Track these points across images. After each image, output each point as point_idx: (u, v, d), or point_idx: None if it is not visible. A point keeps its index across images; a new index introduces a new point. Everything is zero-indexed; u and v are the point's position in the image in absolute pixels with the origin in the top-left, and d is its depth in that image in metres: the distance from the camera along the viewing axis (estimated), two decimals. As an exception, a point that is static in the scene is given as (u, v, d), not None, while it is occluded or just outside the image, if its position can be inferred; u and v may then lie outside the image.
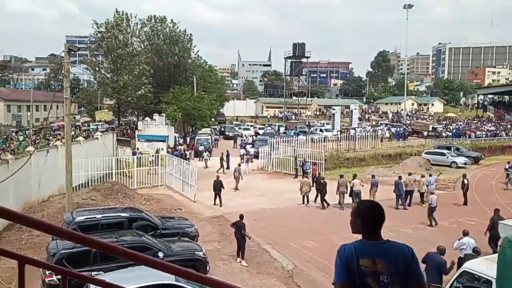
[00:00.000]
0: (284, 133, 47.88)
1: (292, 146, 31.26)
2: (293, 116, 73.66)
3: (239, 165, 26.68)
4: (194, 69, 58.86)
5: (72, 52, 15.66)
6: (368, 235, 2.66)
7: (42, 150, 20.83)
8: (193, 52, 59.80)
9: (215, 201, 21.22)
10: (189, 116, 46.09)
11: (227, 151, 31.99)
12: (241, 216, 14.21)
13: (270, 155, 31.31)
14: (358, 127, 44.64)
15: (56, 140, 30.54)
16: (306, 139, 34.05)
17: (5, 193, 15.81)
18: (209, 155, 33.43)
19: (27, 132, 53.47)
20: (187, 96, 45.95)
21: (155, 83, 51.57)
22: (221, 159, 30.22)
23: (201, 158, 33.55)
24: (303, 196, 21.14)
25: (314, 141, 34.32)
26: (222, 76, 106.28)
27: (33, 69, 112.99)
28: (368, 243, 2.63)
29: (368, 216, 2.70)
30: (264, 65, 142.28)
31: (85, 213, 13.39)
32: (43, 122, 61.93)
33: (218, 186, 21.25)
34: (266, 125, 60.34)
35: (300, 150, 30.40)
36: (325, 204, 20.72)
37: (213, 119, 59.89)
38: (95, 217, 12.76)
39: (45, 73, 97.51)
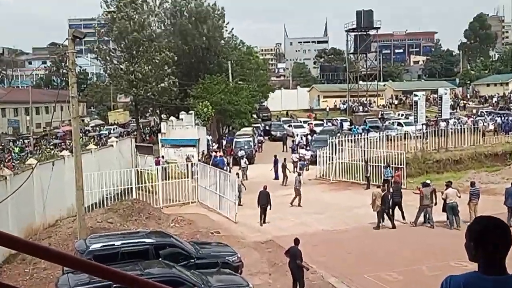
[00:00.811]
0: (350, 130, 47.33)
1: (361, 147, 30.94)
2: (361, 107, 72.69)
3: (299, 174, 26.77)
4: (229, 53, 59.57)
5: (77, 40, 16.28)
6: (484, 265, 2.47)
7: (47, 163, 21.79)
8: (226, 31, 60.76)
9: (261, 220, 21.44)
10: (224, 113, 46.65)
11: (275, 156, 32.09)
12: (296, 241, 14.22)
13: (332, 159, 31.14)
14: (450, 118, 43.36)
15: (59, 151, 31.68)
16: (380, 136, 33.50)
17: (4, 216, 16.63)
18: (247, 162, 33.72)
19: (26, 141, 55.92)
20: (221, 87, 46.56)
21: (180, 74, 52.61)
22: (283, 166, 30.79)
23: (240, 167, 33.81)
24: (377, 213, 20.85)
25: (391, 139, 33.81)
26: (265, 59, 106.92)
27: (30, 63, 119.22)
28: (483, 277, 2.45)
29: (484, 240, 2.45)
30: (318, 42, 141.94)
31: (101, 239, 13.94)
32: (46, 128, 64.81)
33: (264, 200, 21.50)
34: (325, 121, 60.00)
35: (372, 152, 29.96)
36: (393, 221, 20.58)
37: (254, 116, 60.29)
38: (114, 245, 13.26)
39: (45, 67, 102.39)
